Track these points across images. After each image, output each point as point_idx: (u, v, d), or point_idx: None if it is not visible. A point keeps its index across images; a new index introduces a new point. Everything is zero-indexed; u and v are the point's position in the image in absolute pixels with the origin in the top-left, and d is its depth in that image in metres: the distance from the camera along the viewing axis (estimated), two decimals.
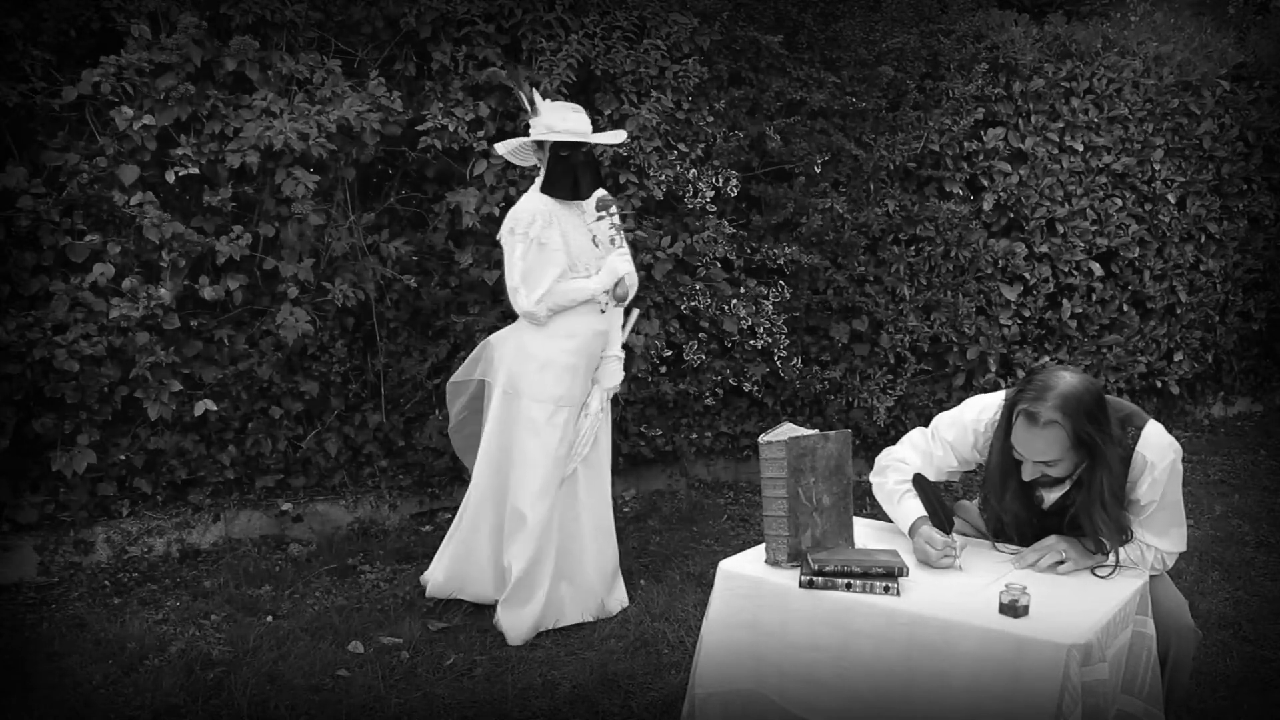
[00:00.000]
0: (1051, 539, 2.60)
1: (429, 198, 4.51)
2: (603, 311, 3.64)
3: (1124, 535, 2.56)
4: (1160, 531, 2.60)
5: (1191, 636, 2.60)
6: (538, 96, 3.61)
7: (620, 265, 3.60)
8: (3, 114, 3.76)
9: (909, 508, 2.67)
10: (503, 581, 3.69)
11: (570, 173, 3.55)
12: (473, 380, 3.76)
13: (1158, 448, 2.55)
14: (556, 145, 3.53)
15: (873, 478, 2.78)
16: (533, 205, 3.55)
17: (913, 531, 2.64)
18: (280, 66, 4.03)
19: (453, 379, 3.84)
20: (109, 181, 3.84)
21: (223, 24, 4.01)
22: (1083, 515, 2.53)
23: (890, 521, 2.80)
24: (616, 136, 3.76)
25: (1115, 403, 2.61)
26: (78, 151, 3.82)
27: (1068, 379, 2.47)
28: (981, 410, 2.70)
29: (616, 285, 3.61)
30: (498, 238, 3.66)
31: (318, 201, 4.13)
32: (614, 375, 3.74)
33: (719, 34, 4.72)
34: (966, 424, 2.71)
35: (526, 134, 3.63)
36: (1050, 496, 2.59)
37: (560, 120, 3.53)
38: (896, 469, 2.75)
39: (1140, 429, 2.55)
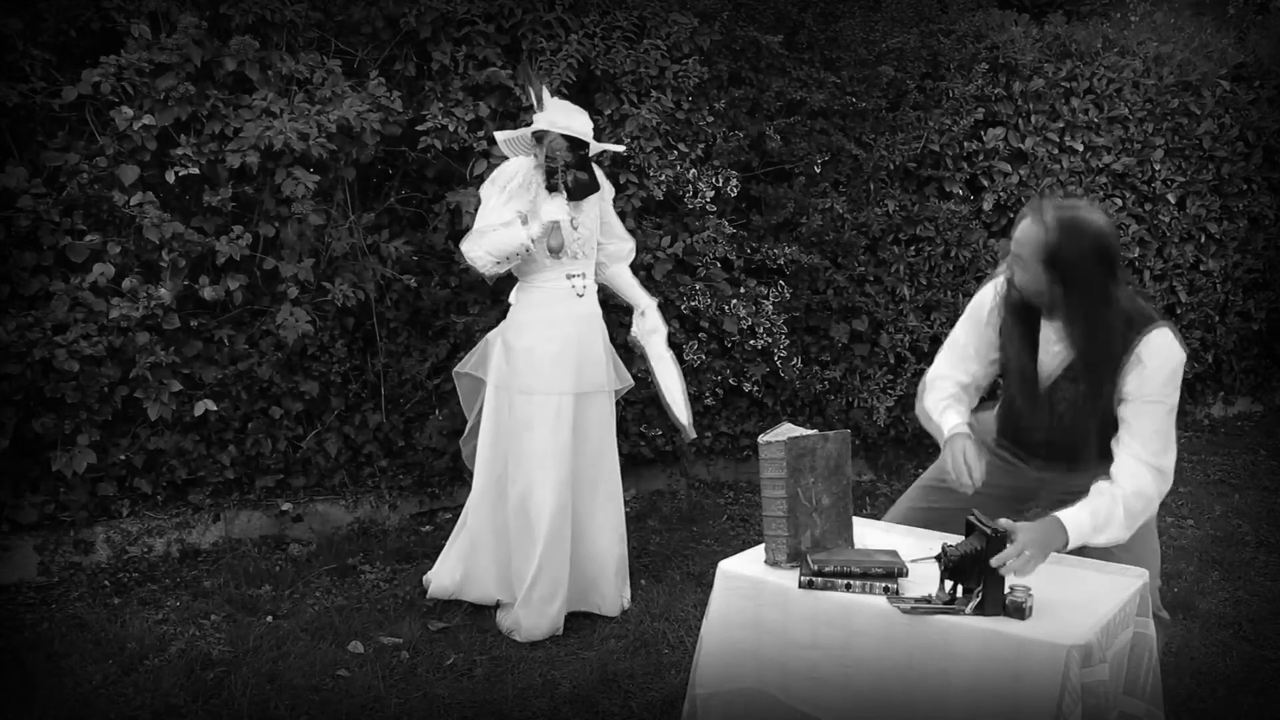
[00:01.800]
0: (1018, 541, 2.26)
1: (429, 198, 4.51)
2: (571, 283, 3.58)
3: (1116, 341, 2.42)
4: (1145, 439, 2.37)
5: (1159, 624, 2.56)
6: (546, 93, 3.60)
7: (553, 210, 3.42)
8: (3, 114, 3.76)
9: (949, 419, 2.66)
10: (505, 582, 3.69)
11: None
12: (482, 381, 3.73)
13: (1157, 350, 2.38)
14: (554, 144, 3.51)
15: (917, 401, 2.80)
16: (519, 165, 3.55)
17: (949, 442, 2.60)
18: (280, 66, 4.03)
19: (458, 369, 3.81)
20: (109, 181, 3.83)
21: (223, 24, 4.01)
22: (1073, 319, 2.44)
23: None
24: (617, 146, 3.74)
25: (1136, 304, 2.47)
26: (78, 151, 3.82)
27: (1093, 213, 2.43)
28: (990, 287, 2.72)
29: (550, 235, 3.47)
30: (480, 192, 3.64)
31: (318, 201, 4.13)
32: (657, 321, 3.76)
33: (719, 34, 4.71)
34: (977, 299, 2.73)
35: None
36: (1054, 354, 2.56)
37: (564, 117, 3.52)
38: (934, 387, 2.77)
39: (1143, 332, 2.39)
